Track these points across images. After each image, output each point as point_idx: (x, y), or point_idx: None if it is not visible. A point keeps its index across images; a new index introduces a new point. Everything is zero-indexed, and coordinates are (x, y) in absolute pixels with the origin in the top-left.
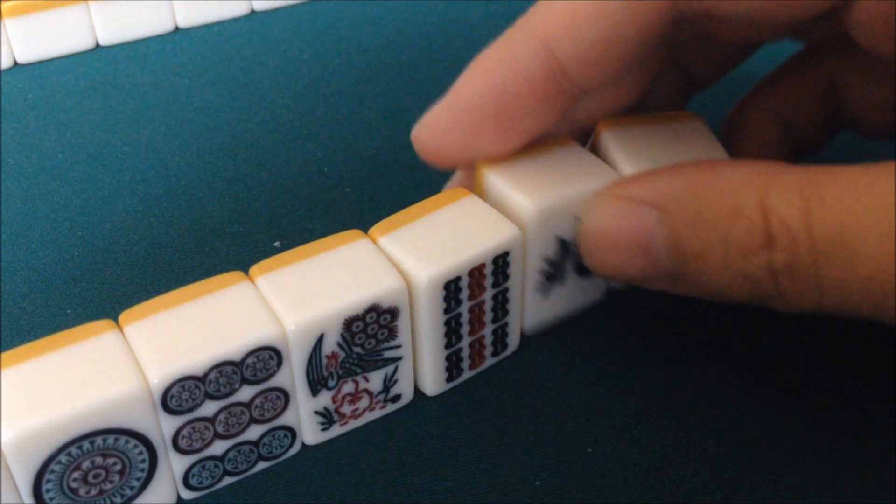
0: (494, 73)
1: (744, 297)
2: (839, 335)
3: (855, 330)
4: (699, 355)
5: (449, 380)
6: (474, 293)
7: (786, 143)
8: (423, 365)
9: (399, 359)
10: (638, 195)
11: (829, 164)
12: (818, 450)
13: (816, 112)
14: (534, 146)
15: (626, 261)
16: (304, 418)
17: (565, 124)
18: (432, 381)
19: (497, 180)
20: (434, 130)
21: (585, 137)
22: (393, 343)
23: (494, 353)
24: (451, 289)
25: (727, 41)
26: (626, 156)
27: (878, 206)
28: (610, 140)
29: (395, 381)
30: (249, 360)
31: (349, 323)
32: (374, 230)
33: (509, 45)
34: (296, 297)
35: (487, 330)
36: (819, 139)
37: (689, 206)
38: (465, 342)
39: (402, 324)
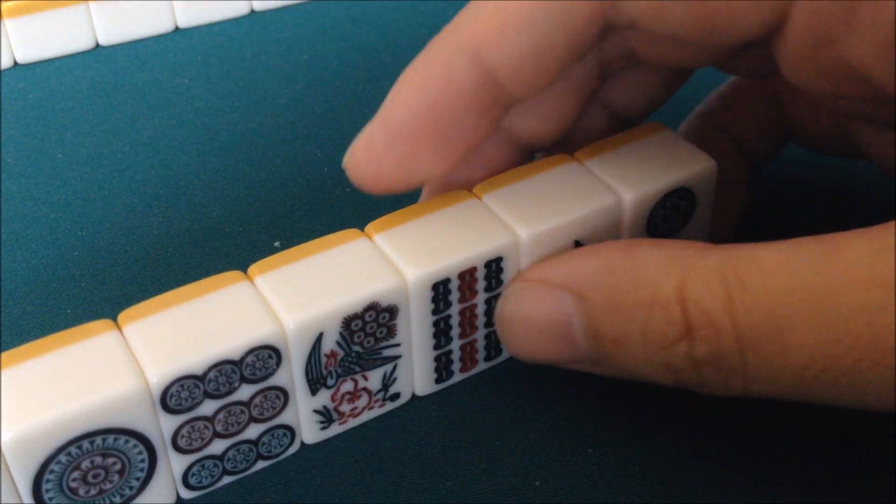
0: (425, 86)
1: (668, 384)
2: None
3: None
4: None
5: (438, 381)
6: (465, 296)
7: (739, 158)
8: (412, 365)
9: (398, 357)
10: (554, 279)
11: (779, 180)
12: (818, 450)
13: (768, 126)
14: (529, 166)
15: (546, 346)
16: (304, 417)
17: (506, 144)
18: (421, 382)
19: (492, 204)
20: (368, 154)
21: (527, 157)
22: (392, 342)
23: (488, 358)
24: (440, 290)
25: (656, 63)
26: (618, 181)
27: (805, 288)
28: (595, 167)
29: (394, 380)
30: (249, 359)
31: (348, 321)
32: (370, 227)
33: (438, 56)
34: (295, 295)
35: (480, 334)
36: (771, 152)
37: (605, 292)
38: (455, 345)
39: (401, 322)
